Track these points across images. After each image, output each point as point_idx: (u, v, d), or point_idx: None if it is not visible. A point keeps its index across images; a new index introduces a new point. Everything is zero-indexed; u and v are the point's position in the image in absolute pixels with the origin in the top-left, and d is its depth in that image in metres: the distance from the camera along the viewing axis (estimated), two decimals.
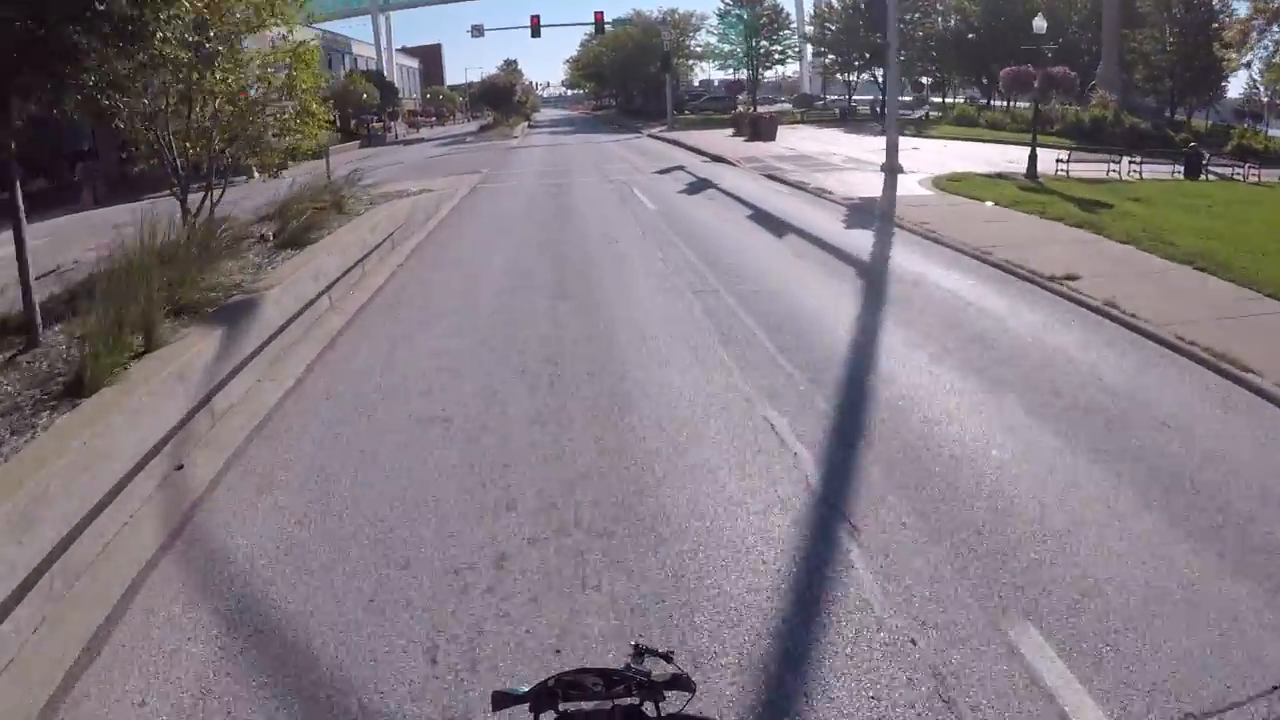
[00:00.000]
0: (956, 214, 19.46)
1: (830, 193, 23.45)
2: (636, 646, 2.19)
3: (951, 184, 25.05)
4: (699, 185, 26.53)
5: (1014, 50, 58.77)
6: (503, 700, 2.01)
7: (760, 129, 45.12)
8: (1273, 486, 6.27)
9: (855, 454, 6.97)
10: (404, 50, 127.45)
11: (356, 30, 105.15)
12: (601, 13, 59.74)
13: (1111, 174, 30.28)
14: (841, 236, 17.37)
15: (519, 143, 58.68)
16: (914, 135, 45.95)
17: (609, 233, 17.80)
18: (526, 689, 2.01)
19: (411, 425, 7.77)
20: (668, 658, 2.17)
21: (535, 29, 57.74)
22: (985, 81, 69.97)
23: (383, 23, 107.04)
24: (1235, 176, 35.80)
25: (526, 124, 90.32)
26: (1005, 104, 68.81)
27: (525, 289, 13.02)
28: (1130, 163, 32.04)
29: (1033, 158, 27.89)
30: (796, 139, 45.11)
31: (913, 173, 27.81)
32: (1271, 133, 61.35)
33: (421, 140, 77.62)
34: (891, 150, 28.39)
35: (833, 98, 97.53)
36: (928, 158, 33.24)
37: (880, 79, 72.54)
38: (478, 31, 60.45)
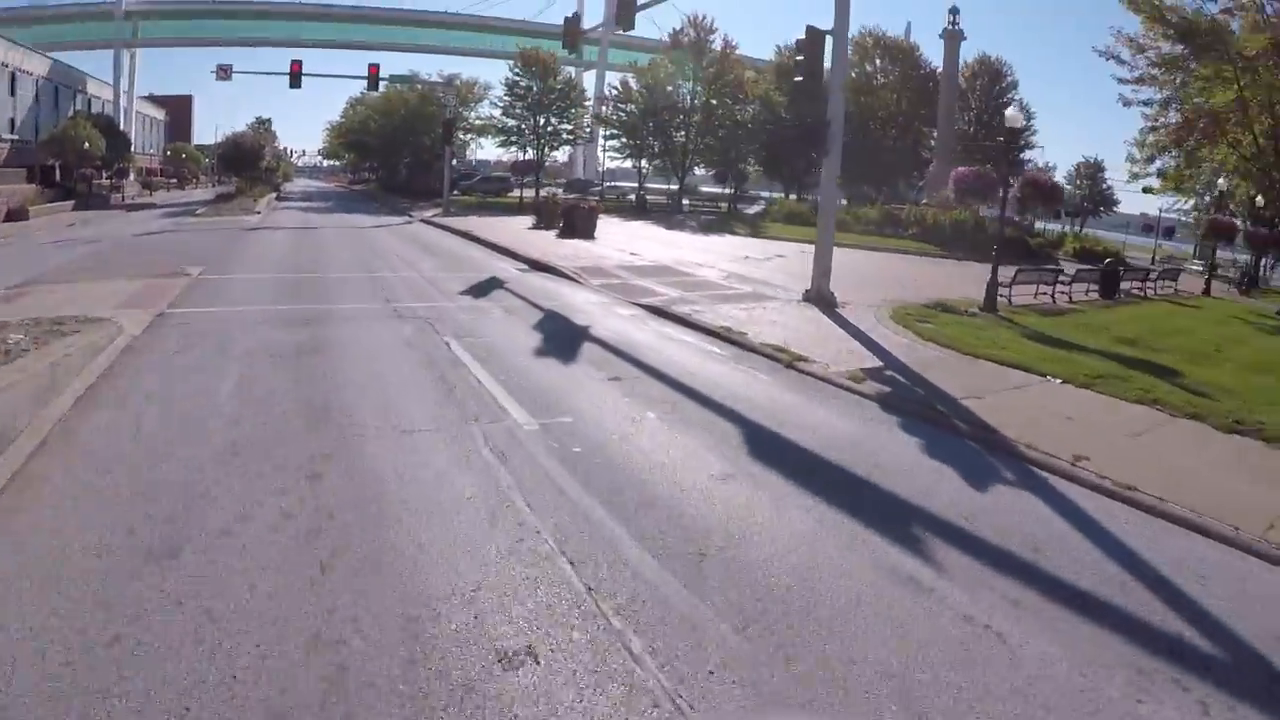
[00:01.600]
0: (1053, 411, 11.30)
1: (807, 360, 13.06)
2: None
3: (924, 327, 16.88)
4: (561, 334, 15.09)
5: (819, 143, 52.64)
6: None
7: (576, 222, 34.17)
8: None
9: None
10: (150, 99, 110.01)
11: (97, 67, 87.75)
12: (377, 66, 46.82)
13: (1042, 296, 24.24)
14: (1003, 532, 7.06)
15: (260, 220, 44.88)
16: (757, 236, 36.99)
17: (478, 597, 5.77)
18: None
19: None
20: None
21: (295, 78, 44.45)
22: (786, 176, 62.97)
23: (126, 60, 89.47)
24: (1138, 292, 30.27)
25: (274, 196, 75.31)
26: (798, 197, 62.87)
27: None
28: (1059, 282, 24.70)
29: (993, 286, 19.87)
30: (621, 236, 34.65)
31: (845, 303, 18.41)
32: (1099, 232, 58.10)
33: (151, 206, 62.78)
34: (822, 272, 19.04)
35: (610, 184, 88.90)
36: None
37: (674, 169, 64.74)
38: (224, 73, 46.29)
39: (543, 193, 54.90)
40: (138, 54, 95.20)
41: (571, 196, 64.99)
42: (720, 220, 46.33)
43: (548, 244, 30.45)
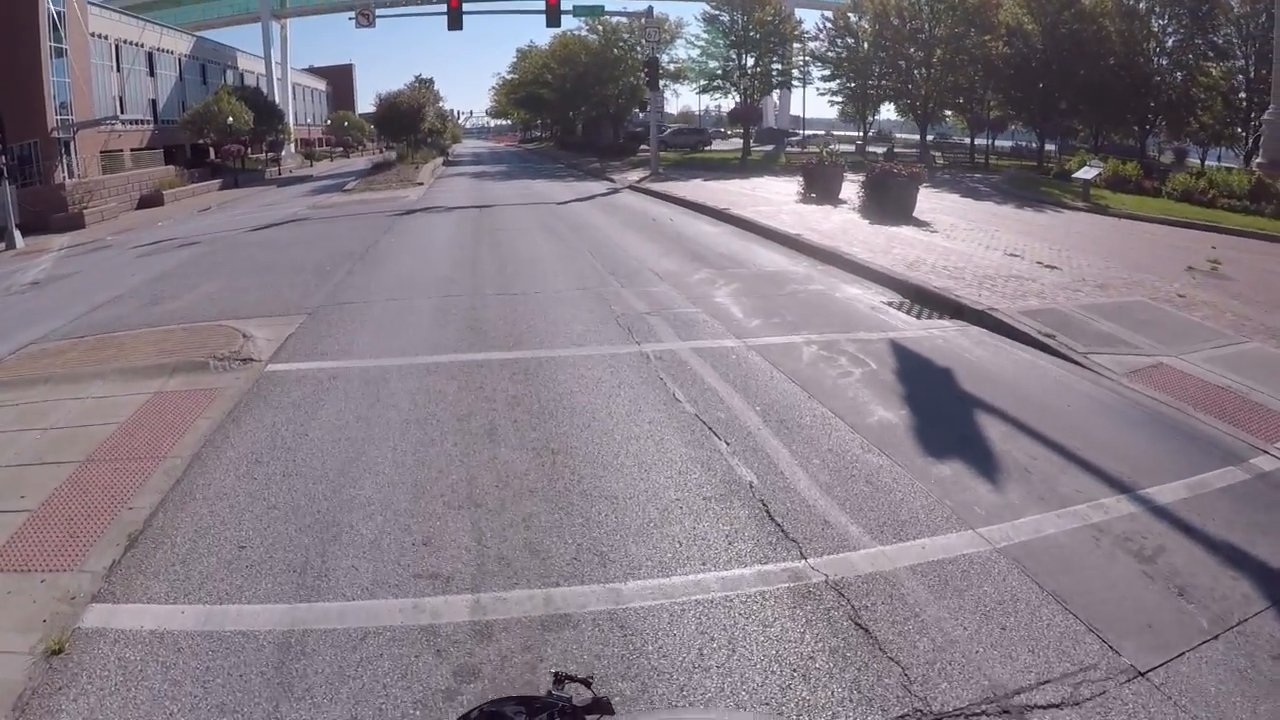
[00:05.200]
0: None
1: None
2: (557, 675, 1.93)
3: None
4: None
5: (1088, 82, 43.00)
6: None
7: (889, 198, 20.97)
8: None
9: None
10: (310, 70, 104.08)
11: (248, 42, 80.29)
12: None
13: None
14: None
15: (421, 195, 33.60)
16: (1102, 212, 23.28)
17: None
18: None
19: None
20: (587, 683, 1.97)
21: (455, 17, 32.98)
22: (1045, 122, 47.73)
23: (276, 32, 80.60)
24: None
25: (441, 161, 64.13)
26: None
27: None
28: None
29: None
30: (949, 219, 21.42)
31: None
32: None
33: (308, 178, 54.04)
34: None
35: (810, 133, 74.87)
36: None
37: (913, 114, 50.54)
38: (365, 18, 35.39)
39: (813, 149, 41.98)
40: (289, 25, 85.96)
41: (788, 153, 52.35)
42: (1018, 183, 32.74)
43: (872, 237, 17.41)
